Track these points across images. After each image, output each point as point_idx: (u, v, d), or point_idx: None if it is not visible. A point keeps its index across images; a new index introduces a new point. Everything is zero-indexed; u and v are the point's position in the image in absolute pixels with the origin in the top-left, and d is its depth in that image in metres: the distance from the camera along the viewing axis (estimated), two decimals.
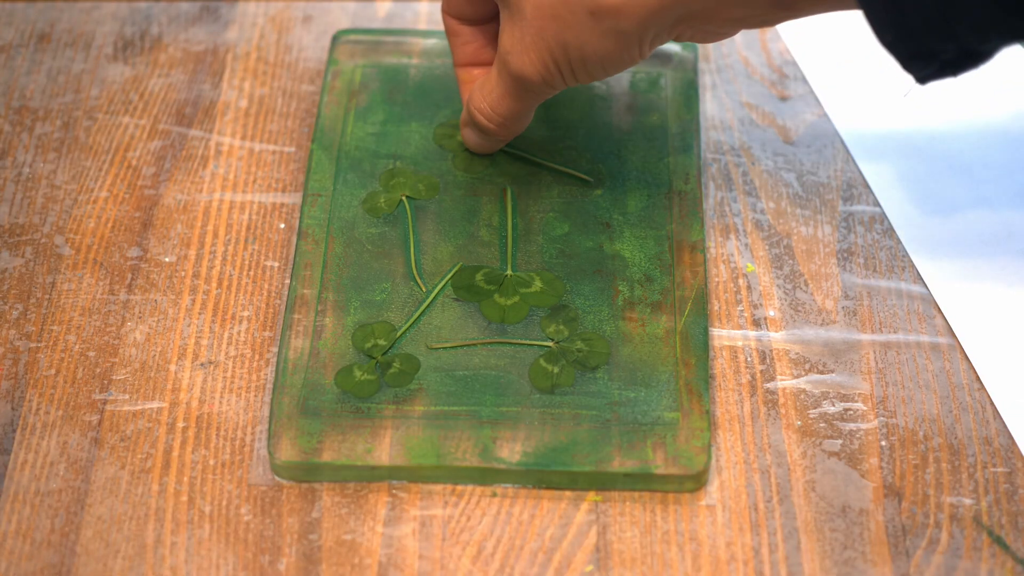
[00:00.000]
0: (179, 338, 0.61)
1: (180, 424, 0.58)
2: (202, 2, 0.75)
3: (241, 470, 0.57)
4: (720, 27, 0.56)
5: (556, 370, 0.59)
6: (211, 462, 0.57)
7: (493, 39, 0.64)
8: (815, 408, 0.58)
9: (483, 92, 0.61)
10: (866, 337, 0.61)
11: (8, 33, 0.74)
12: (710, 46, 0.72)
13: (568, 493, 0.56)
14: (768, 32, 0.73)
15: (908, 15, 0.48)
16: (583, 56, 0.56)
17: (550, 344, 0.60)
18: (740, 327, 0.61)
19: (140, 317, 0.62)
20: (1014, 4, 0.46)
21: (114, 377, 0.60)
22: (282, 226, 0.65)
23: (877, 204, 0.65)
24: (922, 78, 0.51)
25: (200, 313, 0.62)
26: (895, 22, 0.49)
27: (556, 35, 0.56)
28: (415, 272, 0.62)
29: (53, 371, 0.60)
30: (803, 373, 0.60)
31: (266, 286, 0.63)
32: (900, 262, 0.63)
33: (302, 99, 0.70)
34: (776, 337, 0.61)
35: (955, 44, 0.49)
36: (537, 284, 0.62)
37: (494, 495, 0.56)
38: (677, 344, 0.59)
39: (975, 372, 0.59)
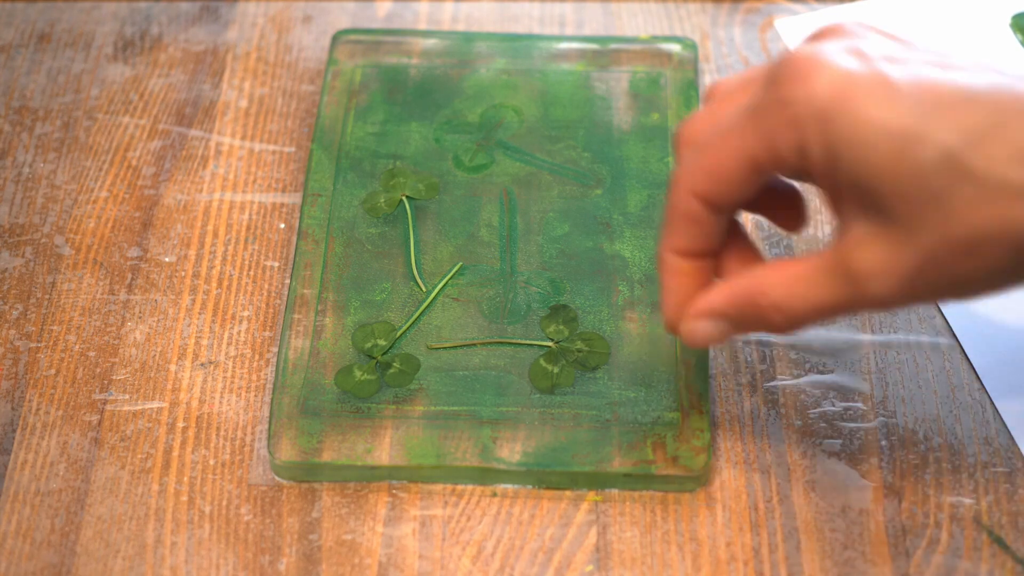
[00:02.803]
0: (179, 338, 0.61)
1: (180, 424, 0.58)
2: (202, 2, 0.75)
3: (241, 470, 0.57)
4: None
5: (556, 370, 0.59)
6: (211, 462, 0.57)
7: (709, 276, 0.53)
8: (815, 408, 0.58)
9: (792, 293, 0.49)
10: (866, 337, 0.61)
11: (8, 33, 0.74)
12: (709, 45, 0.72)
13: (568, 493, 0.56)
14: (768, 32, 0.73)
15: None
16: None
17: (550, 344, 0.60)
18: None
19: (140, 317, 0.62)
20: None
21: (114, 377, 0.60)
22: (282, 226, 0.65)
23: None
24: None
25: (200, 313, 0.62)
26: None
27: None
28: (415, 272, 0.62)
29: (53, 371, 0.60)
30: (803, 373, 0.60)
31: (266, 286, 0.63)
32: None
33: (302, 99, 0.70)
34: (776, 337, 0.61)
35: None
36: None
37: (494, 495, 0.56)
38: (677, 344, 0.59)
39: (975, 372, 0.59)
